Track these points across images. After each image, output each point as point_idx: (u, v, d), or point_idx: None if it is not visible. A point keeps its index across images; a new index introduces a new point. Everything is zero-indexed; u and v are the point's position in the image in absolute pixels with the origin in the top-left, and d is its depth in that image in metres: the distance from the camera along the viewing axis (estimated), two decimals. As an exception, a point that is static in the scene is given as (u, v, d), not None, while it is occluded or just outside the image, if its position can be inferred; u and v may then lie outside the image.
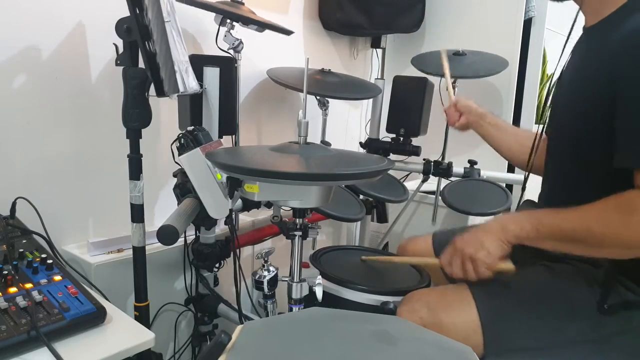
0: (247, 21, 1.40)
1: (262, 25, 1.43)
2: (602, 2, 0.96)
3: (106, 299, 1.03)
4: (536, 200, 1.19)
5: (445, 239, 1.31)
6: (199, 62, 1.20)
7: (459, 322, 0.95)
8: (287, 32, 1.57)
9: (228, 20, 1.40)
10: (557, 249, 0.91)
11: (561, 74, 1.11)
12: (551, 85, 1.18)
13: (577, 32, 1.08)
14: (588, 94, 0.93)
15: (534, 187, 1.18)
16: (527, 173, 1.21)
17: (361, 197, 1.58)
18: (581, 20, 1.06)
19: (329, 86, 1.71)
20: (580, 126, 0.95)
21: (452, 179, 1.80)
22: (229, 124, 1.31)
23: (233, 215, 1.39)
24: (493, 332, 0.94)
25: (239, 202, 1.24)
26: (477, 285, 0.98)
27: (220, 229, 1.44)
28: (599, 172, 0.94)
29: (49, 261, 0.94)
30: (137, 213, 1.05)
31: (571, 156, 1.00)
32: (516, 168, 2.09)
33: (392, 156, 1.85)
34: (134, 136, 1.02)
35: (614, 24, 0.92)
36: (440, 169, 1.80)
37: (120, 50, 0.99)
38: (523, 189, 1.22)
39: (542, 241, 0.91)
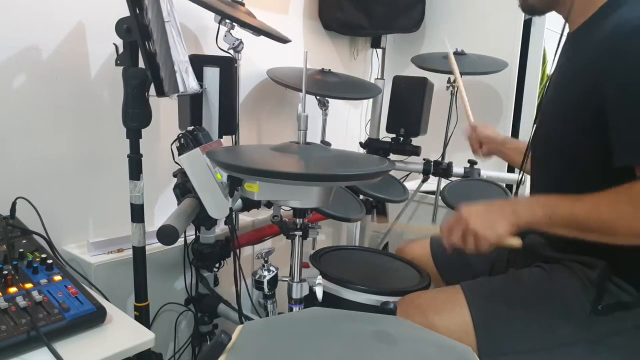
0: (243, 24, 1.39)
1: (257, 31, 1.42)
2: (583, 7, 0.96)
3: (106, 299, 1.03)
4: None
5: (443, 246, 1.31)
6: (199, 62, 1.20)
7: (451, 325, 0.95)
8: (284, 41, 1.56)
9: (228, 20, 1.40)
10: (567, 235, 0.90)
11: (549, 80, 1.11)
12: (542, 92, 1.17)
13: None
14: (574, 93, 0.93)
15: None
16: (520, 176, 1.21)
17: (361, 197, 1.58)
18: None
19: (329, 86, 1.70)
20: (568, 127, 0.95)
21: (452, 179, 1.80)
22: (229, 124, 1.31)
23: (233, 215, 1.39)
24: (486, 334, 0.94)
25: (239, 202, 1.24)
26: (470, 287, 0.98)
27: (220, 229, 1.44)
28: (589, 172, 0.93)
29: (49, 261, 0.93)
30: (137, 213, 1.05)
31: (561, 158, 0.99)
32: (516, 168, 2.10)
33: (392, 156, 1.85)
34: (134, 136, 1.02)
35: (596, 23, 0.93)
36: (440, 169, 1.80)
37: (120, 50, 0.99)
38: (516, 193, 1.22)
39: (553, 228, 0.90)
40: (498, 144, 1.38)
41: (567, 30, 1.05)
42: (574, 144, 0.95)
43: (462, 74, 1.85)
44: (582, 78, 0.91)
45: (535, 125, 1.11)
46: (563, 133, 0.96)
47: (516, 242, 0.93)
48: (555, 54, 1.09)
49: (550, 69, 1.18)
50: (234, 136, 1.46)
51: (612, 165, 0.85)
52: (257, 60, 1.73)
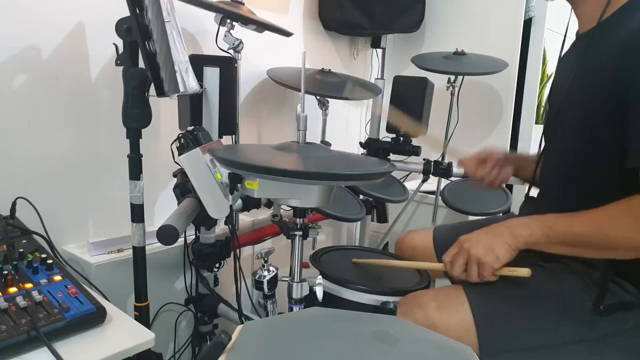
0: (246, 21, 1.39)
1: (260, 25, 1.43)
2: (600, 5, 0.95)
3: (106, 299, 1.03)
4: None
5: (447, 236, 1.31)
6: (199, 62, 1.20)
7: (452, 323, 0.95)
8: (287, 34, 1.57)
9: (228, 20, 1.40)
10: (566, 253, 0.91)
11: (553, 83, 1.10)
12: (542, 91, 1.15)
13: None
14: (595, 96, 0.92)
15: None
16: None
17: (361, 197, 1.58)
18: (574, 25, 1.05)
19: (329, 86, 1.71)
20: (589, 130, 0.94)
21: (452, 179, 1.80)
22: (229, 124, 1.31)
23: (233, 215, 1.39)
24: (487, 332, 0.94)
25: (239, 202, 1.23)
26: (471, 286, 0.98)
27: (220, 229, 1.44)
28: (609, 177, 0.93)
29: (49, 261, 0.93)
30: (137, 213, 1.05)
31: (579, 161, 0.98)
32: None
33: (392, 156, 1.85)
34: (134, 136, 1.02)
35: (618, 23, 0.92)
36: (440, 169, 1.80)
37: (120, 50, 0.99)
38: (526, 196, 1.20)
39: (552, 246, 0.91)
40: (518, 161, 1.25)
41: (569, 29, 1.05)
42: (593, 145, 0.94)
43: (462, 74, 1.86)
44: (604, 77, 0.90)
45: (545, 127, 1.10)
46: (583, 133, 0.96)
47: (524, 272, 0.93)
48: (561, 52, 1.09)
49: (553, 66, 1.17)
50: (234, 136, 1.45)
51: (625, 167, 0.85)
52: (257, 60, 1.73)
